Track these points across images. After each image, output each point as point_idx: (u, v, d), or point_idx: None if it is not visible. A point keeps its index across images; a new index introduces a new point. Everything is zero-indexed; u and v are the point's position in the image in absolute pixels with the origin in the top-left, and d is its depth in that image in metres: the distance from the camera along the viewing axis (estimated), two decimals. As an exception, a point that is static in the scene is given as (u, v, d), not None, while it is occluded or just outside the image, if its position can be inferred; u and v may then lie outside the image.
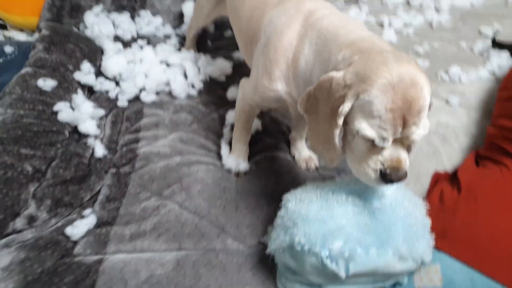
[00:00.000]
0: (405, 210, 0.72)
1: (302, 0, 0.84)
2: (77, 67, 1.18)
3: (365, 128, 0.64)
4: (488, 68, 1.37)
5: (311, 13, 0.79)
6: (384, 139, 0.64)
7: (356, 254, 0.67)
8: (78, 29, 1.42)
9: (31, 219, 0.84)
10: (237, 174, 1.04)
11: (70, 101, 1.10)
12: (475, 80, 1.35)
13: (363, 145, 0.67)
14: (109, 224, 0.88)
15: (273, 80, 0.81)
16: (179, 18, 1.55)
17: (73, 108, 1.10)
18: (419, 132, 0.65)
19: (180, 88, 1.25)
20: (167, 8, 1.55)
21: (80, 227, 0.85)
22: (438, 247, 0.72)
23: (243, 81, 0.94)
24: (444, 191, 0.85)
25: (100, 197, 0.95)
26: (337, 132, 0.67)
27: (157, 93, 1.26)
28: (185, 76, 1.30)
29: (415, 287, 0.72)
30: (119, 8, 1.51)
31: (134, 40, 1.44)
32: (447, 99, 1.27)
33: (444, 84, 1.35)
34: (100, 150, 1.04)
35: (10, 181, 0.83)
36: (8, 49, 1.22)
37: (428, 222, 0.74)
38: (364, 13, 1.66)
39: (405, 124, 0.63)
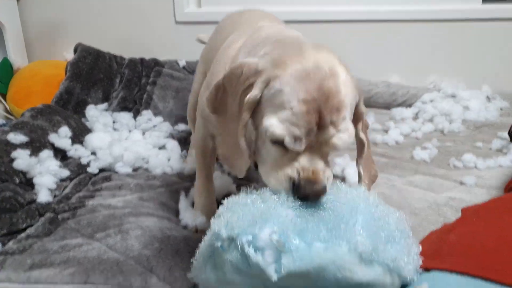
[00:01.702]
0: (368, 202, 0.56)
1: (258, 20, 0.89)
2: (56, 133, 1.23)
3: (274, 125, 0.57)
4: (509, 158, 1.25)
5: (259, 28, 0.81)
6: (296, 138, 0.56)
7: (293, 244, 0.50)
8: (78, 120, 1.53)
9: None
10: (196, 230, 0.90)
11: (35, 155, 1.10)
12: (494, 167, 1.22)
13: (274, 152, 0.59)
14: (10, 254, 0.74)
15: None
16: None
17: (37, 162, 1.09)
18: (340, 135, 0.57)
19: (158, 163, 1.23)
20: (169, 111, 1.67)
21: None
22: (427, 267, 0.52)
23: None
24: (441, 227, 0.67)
25: (21, 235, 0.83)
26: (243, 131, 0.60)
27: (135, 169, 1.24)
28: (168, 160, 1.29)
29: (393, 317, 0.49)
30: (124, 109, 1.65)
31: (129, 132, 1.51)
32: (461, 181, 1.13)
33: (457, 170, 1.23)
34: (44, 196, 0.97)
35: None
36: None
37: (406, 230, 0.56)
38: (369, 121, 1.68)
39: (321, 122, 0.56)
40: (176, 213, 0.97)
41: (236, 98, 0.61)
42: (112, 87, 1.67)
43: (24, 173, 1.03)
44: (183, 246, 0.79)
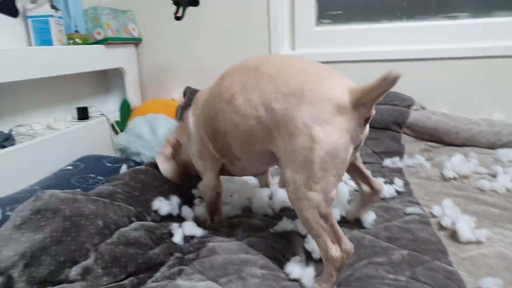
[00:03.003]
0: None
1: None
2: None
3: None
4: None
5: None
6: None
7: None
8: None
9: (86, 271, 0.86)
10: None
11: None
12: None
13: None
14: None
15: None
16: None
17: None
18: None
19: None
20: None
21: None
22: None
23: None
24: None
25: (157, 274, 0.94)
26: None
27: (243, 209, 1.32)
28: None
29: None
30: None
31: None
32: None
33: None
34: (178, 239, 1.08)
35: (81, 228, 0.91)
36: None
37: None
38: (473, 164, 1.61)
39: None
40: (284, 253, 1.01)
41: None
42: (217, 126, 1.80)
43: (155, 211, 1.16)
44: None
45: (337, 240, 0.83)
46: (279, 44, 1.99)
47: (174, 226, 1.11)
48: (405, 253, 1.01)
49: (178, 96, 2.11)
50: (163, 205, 1.17)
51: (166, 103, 2.03)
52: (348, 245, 0.83)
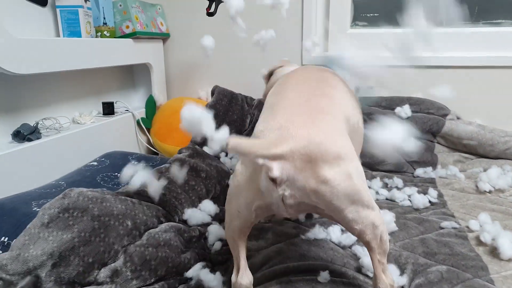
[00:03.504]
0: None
1: None
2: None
3: None
4: None
5: None
6: None
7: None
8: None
9: (115, 274, 0.84)
10: None
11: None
12: None
13: None
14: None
15: None
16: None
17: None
18: None
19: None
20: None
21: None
22: None
23: None
24: None
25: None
26: None
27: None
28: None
29: None
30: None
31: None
32: None
33: None
34: (213, 238, 1.06)
35: (110, 228, 0.89)
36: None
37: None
38: (510, 178, 1.55)
39: None
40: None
41: None
42: (243, 127, 1.78)
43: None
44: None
45: None
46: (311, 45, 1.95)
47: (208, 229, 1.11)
48: (444, 269, 0.96)
49: (204, 95, 2.10)
50: (194, 215, 1.14)
51: (194, 101, 2.01)
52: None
